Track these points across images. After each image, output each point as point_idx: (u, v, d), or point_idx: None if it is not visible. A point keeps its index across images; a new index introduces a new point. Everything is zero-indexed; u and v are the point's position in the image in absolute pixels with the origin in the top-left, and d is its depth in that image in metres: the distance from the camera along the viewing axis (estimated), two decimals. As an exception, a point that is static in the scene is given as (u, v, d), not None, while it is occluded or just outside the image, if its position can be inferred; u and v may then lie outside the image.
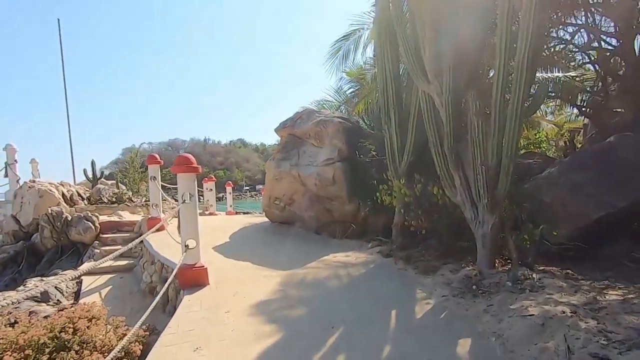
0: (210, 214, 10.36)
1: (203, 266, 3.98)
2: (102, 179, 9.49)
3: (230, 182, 13.73)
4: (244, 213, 16.18)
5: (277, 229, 6.61)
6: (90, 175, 9.34)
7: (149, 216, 6.80)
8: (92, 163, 9.40)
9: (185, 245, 3.84)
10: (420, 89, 4.57)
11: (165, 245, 5.04)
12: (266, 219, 7.35)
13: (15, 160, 8.37)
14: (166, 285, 3.44)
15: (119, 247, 6.48)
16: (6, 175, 8.19)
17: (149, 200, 8.59)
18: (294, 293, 3.74)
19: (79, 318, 2.97)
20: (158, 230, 4.54)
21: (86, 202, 7.68)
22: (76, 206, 7.21)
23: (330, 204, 6.34)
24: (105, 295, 5.33)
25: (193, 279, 3.87)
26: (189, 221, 3.90)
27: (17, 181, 8.18)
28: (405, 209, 5.26)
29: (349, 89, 11.86)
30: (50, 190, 6.85)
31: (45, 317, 3.77)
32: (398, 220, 5.59)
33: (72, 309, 3.36)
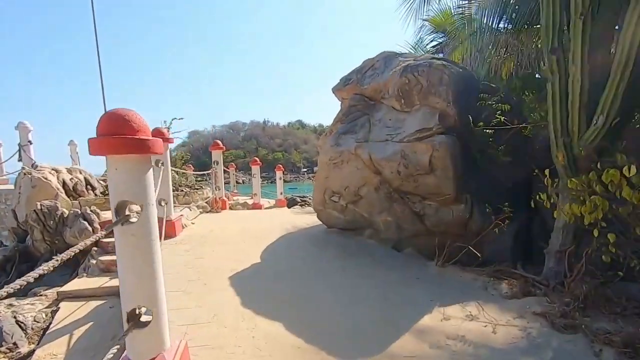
0: (254, 205, 8.42)
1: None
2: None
3: (280, 165, 11.70)
4: (301, 199, 14.23)
5: (335, 242, 4.31)
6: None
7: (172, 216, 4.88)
8: None
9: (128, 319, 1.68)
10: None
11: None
12: (319, 221, 5.09)
13: (30, 142, 7.14)
14: None
15: None
16: (20, 159, 7.00)
17: (176, 191, 6.82)
18: None
19: None
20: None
21: (99, 194, 6.14)
22: (81, 199, 5.63)
23: (421, 204, 3.86)
24: (77, 340, 3.53)
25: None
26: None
27: (32, 166, 6.85)
28: (581, 222, 2.64)
29: (430, 42, 8.98)
30: (45, 179, 5.32)
31: None
32: (563, 241, 2.98)
33: None
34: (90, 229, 4.90)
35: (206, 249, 3.99)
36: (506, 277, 3.20)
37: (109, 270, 4.52)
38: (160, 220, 4.19)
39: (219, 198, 6.79)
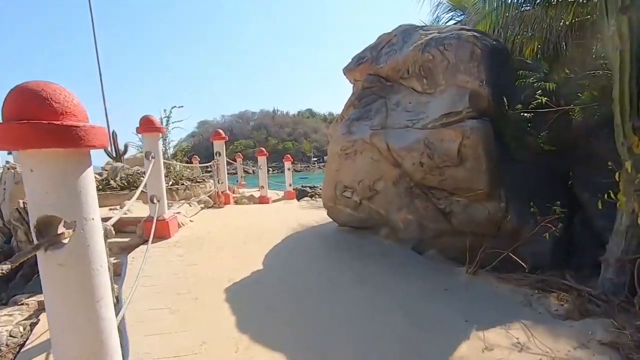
0: (261, 199, 7.98)
1: None
2: (128, 156, 7.61)
3: (288, 155, 11.21)
4: (311, 189, 13.74)
5: (347, 242, 3.82)
6: (112, 150, 7.47)
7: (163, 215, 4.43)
8: (113, 134, 7.49)
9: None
10: None
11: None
12: (329, 218, 4.61)
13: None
14: None
15: (113, 259, 4.37)
16: (10, 152, 6.69)
17: (175, 185, 6.40)
18: None
19: None
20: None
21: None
22: (73, 193, 5.26)
23: (447, 200, 3.33)
24: None
25: None
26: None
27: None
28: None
29: (448, 21, 8.26)
30: (33, 173, 4.97)
31: None
32: (626, 247, 2.45)
33: None
34: None
35: (202, 253, 3.55)
36: (553, 290, 2.68)
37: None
38: (151, 219, 3.78)
39: (222, 192, 6.35)
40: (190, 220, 4.97)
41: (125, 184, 5.85)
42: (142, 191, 5.68)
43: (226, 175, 6.60)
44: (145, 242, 3.98)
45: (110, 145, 7.30)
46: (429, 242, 3.59)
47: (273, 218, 5.15)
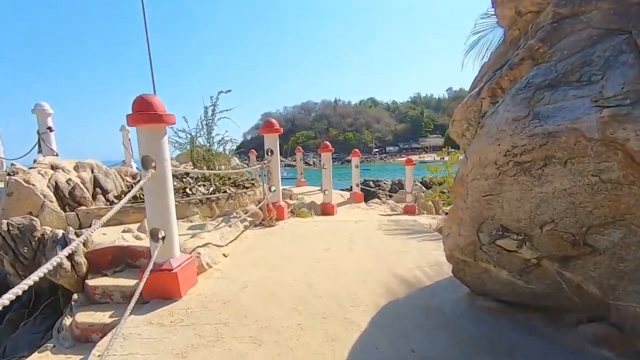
0: (324, 208, 6.19)
1: None
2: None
3: (356, 150, 9.27)
4: (374, 184, 11.66)
5: (499, 338, 1.84)
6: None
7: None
8: None
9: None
10: None
11: None
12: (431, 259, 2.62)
13: (50, 128, 5.77)
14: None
15: (108, 315, 3.05)
16: (40, 151, 5.70)
17: (215, 193, 4.87)
18: None
19: None
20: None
21: (113, 198, 4.43)
22: (81, 209, 3.94)
23: None
24: None
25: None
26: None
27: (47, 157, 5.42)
28: None
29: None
30: (27, 182, 3.69)
31: None
32: None
33: None
34: (67, 265, 3.09)
35: (217, 351, 1.82)
36: None
37: (87, 339, 2.69)
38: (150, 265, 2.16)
39: (275, 204, 4.67)
40: (224, 255, 3.32)
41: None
42: (184, 194, 4.22)
43: (280, 181, 4.90)
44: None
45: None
46: None
47: (345, 255, 3.27)
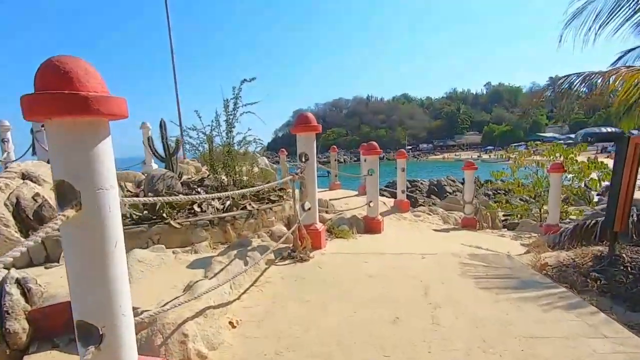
0: (369, 224, 4.91)
1: None
2: (181, 157, 5.16)
3: (402, 150, 7.91)
4: (410, 185, 10.15)
5: None
6: (158, 146, 5.14)
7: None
8: (161, 124, 5.07)
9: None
10: None
11: None
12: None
13: (44, 126, 4.92)
14: None
15: None
16: (34, 153, 4.83)
17: (232, 209, 3.73)
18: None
19: None
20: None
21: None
22: (48, 235, 2.96)
23: None
24: None
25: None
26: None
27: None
28: None
29: None
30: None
31: None
32: None
33: None
34: (15, 309, 2.04)
35: None
36: None
37: None
38: None
39: (307, 228, 3.43)
40: (231, 325, 2.11)
41: (146, 210, 3.30)
42: (187, 213, 3.18)
43: (316, 195, 3.66)
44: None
45: (163, 138, 5.01)
46: None
47: (431, 337, 1.97)
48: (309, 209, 3.48)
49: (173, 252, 3.13)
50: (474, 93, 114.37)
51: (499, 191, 12.53)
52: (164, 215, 3.32)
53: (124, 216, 3.29)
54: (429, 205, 9.87)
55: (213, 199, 4.02)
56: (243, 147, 4.81)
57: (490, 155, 64.75)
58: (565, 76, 5.54)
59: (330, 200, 7.77)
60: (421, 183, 23.65)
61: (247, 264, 2.83)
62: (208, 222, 3.44)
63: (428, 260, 3.13)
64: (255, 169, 4.99)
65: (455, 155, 78.85)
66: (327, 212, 5.58)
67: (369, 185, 5.28)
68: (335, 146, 11.23)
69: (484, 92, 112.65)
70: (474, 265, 2.94)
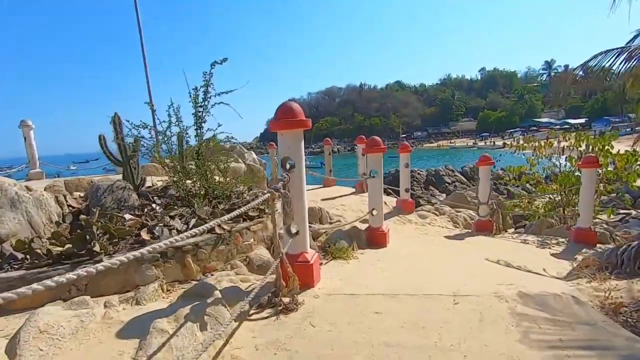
0: (372, 235, 4.05)
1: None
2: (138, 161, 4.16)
3: (406, 143, 7.01)
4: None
5: None
6: (110, 147, 4.13)
7: None
8: (114, 119, 4.03)
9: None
10: None
11: None
12: None
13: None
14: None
15: None
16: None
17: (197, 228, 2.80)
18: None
19: None
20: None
21: (5, 250, 2.49)
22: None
23: None
24: None
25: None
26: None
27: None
28: None
29: None
30: None
31: None
32: None
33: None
34: None
35: None
36: None
37: None
38: None
39: (294, 261, 2.53)
40: None
41: (86, 235, 2.37)
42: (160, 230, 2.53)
43: (307, 218, 2.72)
44: None
45: (115, 138, 4.02)
46: None
47: None
48: (297, 233, 2.56)
49: (105, 306, 2.21)
50: (469, 79, 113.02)
51: (509, 186, 11.67)
52: (96, 249, 2.39)
53: (36, 254, 2.35)
54: (434, 204, 9.01)
55: (172, 217, 3.09)
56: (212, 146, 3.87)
57: (485, 142, 63.92)
58: (602, 52, 4.66)
59: (324, 200, 6.86)
60: (418, 173, 22.56)
61: (206, 328, 1.93)
62: (159, 255, 2.52)
63: (464, 308, 2.23)
64: (249, 159, 4.06)
65: (450, 142, 77.93)
66: (320, 219, 4.68)
67: (372, 189, 4.38)
68: (328, 138, 10.27)
69: (479, 78, 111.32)
70: (533, 318, 2.06)
